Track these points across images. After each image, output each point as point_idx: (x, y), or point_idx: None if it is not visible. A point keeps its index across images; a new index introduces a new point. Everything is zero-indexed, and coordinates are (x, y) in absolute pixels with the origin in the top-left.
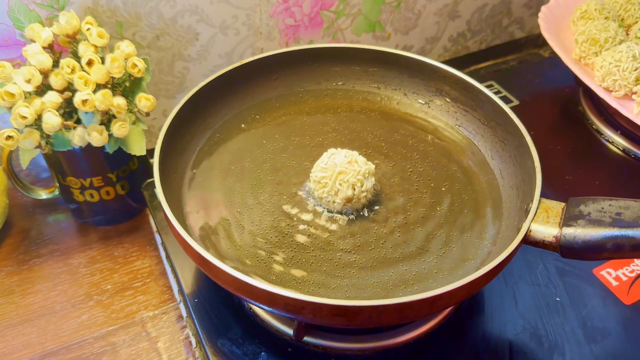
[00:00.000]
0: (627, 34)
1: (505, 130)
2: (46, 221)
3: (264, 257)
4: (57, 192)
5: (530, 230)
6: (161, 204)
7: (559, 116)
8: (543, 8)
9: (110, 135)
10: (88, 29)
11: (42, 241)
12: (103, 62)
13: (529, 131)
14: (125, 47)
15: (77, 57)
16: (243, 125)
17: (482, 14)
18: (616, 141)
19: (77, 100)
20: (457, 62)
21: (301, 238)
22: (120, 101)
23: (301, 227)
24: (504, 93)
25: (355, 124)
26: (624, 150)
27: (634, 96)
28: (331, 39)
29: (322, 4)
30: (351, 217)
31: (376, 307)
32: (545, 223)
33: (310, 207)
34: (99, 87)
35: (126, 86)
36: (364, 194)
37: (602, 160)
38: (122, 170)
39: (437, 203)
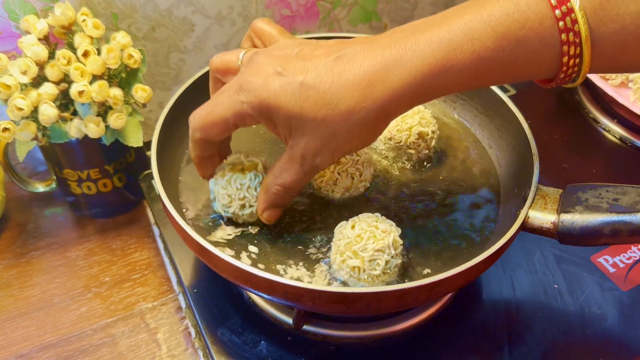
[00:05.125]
0: None
1: (502, 118)
2: (43, 214)
3: (262, 247)
4: (54, 185)
5: (528, 217)
6: (160, 195)
7: (556, 105)
8: None
9: (107, 127)
10: (84, 20)
11: (40, 234)
12: (99, 53)
13: (526, 120)
14: (121, 38)
15: (73, 49)
16: None
17: None
18: (613, 129)
19: (73, 91)
20: None
21: (300, 227)
22: (116, 92)
23: (299, 215)
24: None
25: None
26: (620, 139)
27: (630, 84)
28: (327, 29)
29: None
30: (350, 205)
31: (375, 294)
32: (543, 209)
33: (308, 196)
34: (95, 78)
35: (122, 77)
36: (363, 182)
37: (599, 148)
38: (119, 162)
39: (435, 191)
